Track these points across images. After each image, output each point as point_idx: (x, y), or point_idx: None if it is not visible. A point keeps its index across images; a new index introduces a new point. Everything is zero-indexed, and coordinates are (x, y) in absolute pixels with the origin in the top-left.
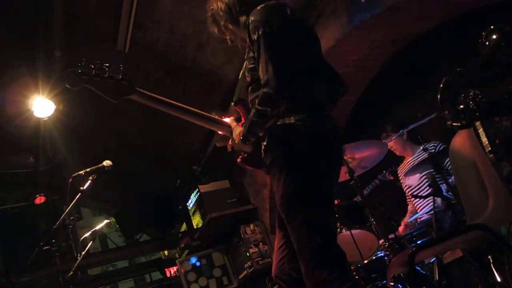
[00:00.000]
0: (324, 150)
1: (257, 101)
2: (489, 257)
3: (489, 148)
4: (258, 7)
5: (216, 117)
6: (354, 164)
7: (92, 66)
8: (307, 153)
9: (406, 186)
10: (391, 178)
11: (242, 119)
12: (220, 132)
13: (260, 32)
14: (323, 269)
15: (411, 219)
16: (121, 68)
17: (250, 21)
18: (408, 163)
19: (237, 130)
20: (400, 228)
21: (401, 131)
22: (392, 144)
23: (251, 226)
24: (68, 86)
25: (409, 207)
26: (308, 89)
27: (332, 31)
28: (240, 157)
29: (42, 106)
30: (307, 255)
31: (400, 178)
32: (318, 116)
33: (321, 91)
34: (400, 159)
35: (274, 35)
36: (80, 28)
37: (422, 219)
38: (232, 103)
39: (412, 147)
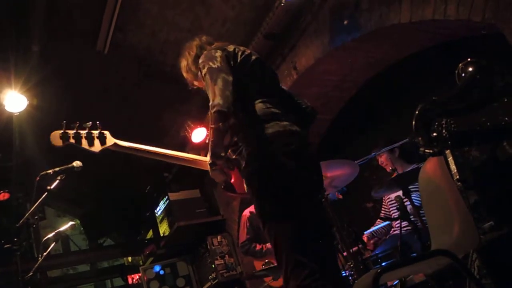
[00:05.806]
0: (295, 161)
1: (210, 122)
2: (451, 283)
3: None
4: (205, 52)
5: (197, 156)
6: (326, 183)
7: (73, 125)
8: (279, 164)
9: (388, 198)
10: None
11: None
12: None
13: (206, 69)
14: (301, 270)
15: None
16: (98, 124)
17: (199, 62)
18: None
19: None
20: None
21: (383, 148)
22: (384, 160)
23: (219, 237)
24: (53, 144)
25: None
26: (265, 106)
27: (313, 50)
28: (223, 185)
29: (14, 100)
30: (284, 258)
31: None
32: (286, 129)
33: (283, 109)
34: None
35: (216, 69)
36: (60, 24)
37: (393, 232)
38: None
39: (402, 164)
